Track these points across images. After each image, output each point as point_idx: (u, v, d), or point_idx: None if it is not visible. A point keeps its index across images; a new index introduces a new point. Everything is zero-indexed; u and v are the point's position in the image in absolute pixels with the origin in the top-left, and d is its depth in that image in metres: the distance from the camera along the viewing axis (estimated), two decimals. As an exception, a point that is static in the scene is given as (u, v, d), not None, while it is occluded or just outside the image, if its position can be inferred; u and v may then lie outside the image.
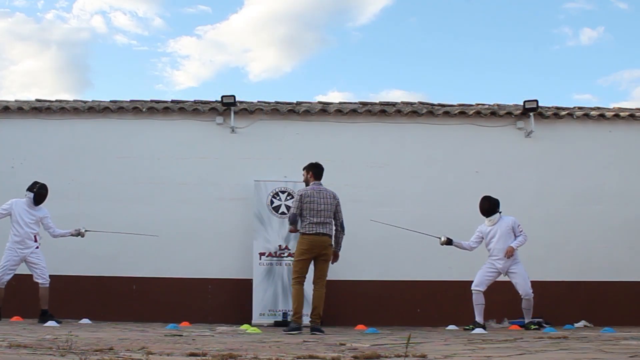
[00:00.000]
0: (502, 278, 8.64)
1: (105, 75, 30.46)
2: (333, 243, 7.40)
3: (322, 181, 7.56)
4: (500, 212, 8.51)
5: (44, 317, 8.31)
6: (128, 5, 29.03)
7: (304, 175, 7.65)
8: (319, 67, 29.65)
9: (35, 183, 8.53)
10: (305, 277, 7.34)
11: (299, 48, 30.10)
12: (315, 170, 7.60)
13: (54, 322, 7.88)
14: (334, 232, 7.41)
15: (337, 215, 7.41)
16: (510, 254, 8.24)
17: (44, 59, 30.24)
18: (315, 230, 7.22)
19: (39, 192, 8.45)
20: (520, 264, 8.38)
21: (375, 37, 27.74)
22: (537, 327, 8.17)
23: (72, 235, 8.78)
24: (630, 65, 27.78)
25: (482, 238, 8.55)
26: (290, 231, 7.52)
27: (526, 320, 8.36)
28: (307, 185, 7.54)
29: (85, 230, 8.79)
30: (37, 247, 8.48)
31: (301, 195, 7.35)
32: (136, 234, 9.23)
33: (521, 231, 8.37)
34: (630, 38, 26.65)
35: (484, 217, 8.55)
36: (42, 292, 8.43)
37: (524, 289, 8.25)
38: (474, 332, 7.59)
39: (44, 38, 29.17)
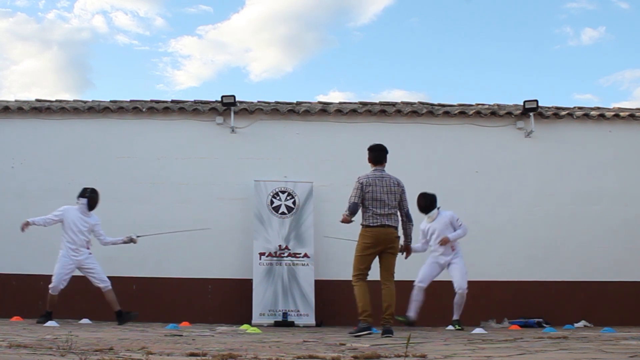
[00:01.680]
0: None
1: (106, 75, 30.50)
2: (401, 235, 6.80)
3: (383, 168, 6.78)
4: (438, 208, 8.45)
5: (120, 317, 8.31)
6: (129, 5, 29.04)
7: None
8: (320, 67, 29.67)
9: (86, 189, 8.40)
10: (368, 274, 6.65)
11: (300, 48, 30.12)
12: (372, 154, 6.81)
13: (130, 319, 7.95)
14: (399, 223, 6.75)
15: (402, 204, 6.68)
16: (444, 242, 8.19)
17: (45, 58, 30.25)
18: (380, 222, 6.52)
19: (91, 197, 8.32)
20: (461, 257, 8.31)
21: (377, 37, 27.76)
22: (460, 328, 8.12)
23: (124, 242, 8.61)
24: (632, 65, 27.79)
25: (425, 237, 8.51)
26: (343, 221, 6.74)
27: (455, 316, 8.27)
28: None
29: (137, 236, 8.63)
30: (90, 253, 8.39)
31: (361, 182, 6.57)
32: (187, 231, 9.15)
33: (460, 224, 8.29)
34: (631, 38, 26.68)
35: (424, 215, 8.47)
36: (108, 296, 8.34)
37: (460, 283, 8.14)
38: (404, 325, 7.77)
39: (45, 38, 29.19)
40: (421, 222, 8.51)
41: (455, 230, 8.29)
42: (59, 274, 8.23)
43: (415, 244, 8.45)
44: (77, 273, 9.63)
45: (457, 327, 8.15)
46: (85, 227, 8.28)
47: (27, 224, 8.21)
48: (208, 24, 29.06)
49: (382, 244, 6.54)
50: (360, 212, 6.63)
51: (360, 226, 6.63)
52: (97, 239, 8.49)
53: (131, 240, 8.60)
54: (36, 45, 29.51)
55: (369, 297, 6.51)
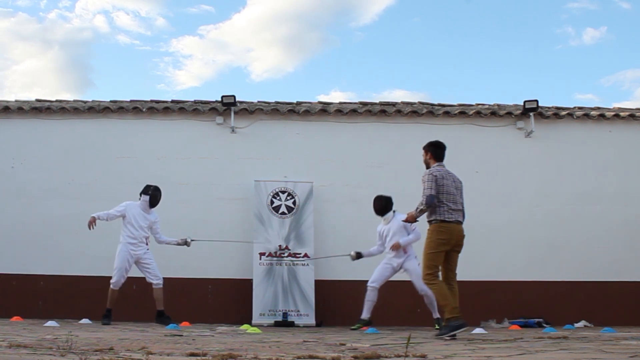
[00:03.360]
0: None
1: (107, 75, 30.49)
2: None
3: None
4: (394, 211, 8.50)
5: (160, 318, 8.33)
6: (131, 5, 29.05)
7: (423, 156, 6.64)
8: (321, 67, 29.67)
9: (149, 186, 8.49)
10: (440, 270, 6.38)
11: (302, 48, 30.12)
12: (435, 150, 6.56)
13: (172, 324, 7.88)
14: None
15: (462, 201, 6.53)
16: (395, 248, 8.27)
17: (46, 58, 30.25)
18: (455, 218, 6.32)
19: (153, 194, 8.40)
20: (414, 260, 8.29)
21: (378, 37, 27.76)
22: (439, 327, 8.12)
23: (177, 244, 8.68)
24: (633, 65, 27.81)
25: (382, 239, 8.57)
26: (412, 218, 6.56)
27: (434, 315, 8.30)
28: (427, 168, 6.53)
29: (191, 240, 8.68)
30: (148, 249, 8.45)
31: (435, 176, 6.29)
32: (235, 242, 9.34)
33: (414, 229, 8.30)
34: (633, 38, 26.69)
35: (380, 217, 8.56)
36: (157, 293, 8.40)
37: (419, 285, 8.12)
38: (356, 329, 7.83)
39: (46, 38, 29.18)
40: (378, 225, 8.63)
41: (408, 234, 8.33)
42: (120, 269, 8.29)
43: (371, 248, 8.65)
44: (79, 273, 9.66)
45: (437, 327, 8.13)
46: (145, 223, 8.39)
47: (93, 219, 8.22)
48: (209, 23, 29.07)
49: (454, 241, 6.32)
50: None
51: (430, 222, 6.34)
52: (153, 236, 8.58)
53: (185, 243, 8.68)
54: (37, 45, 29.53)
55: (450, 293, 6.28)
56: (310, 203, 9.84)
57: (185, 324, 8.53)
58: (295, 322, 9.25)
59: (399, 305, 9.71)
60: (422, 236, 8.36)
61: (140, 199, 8.47)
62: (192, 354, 3.69)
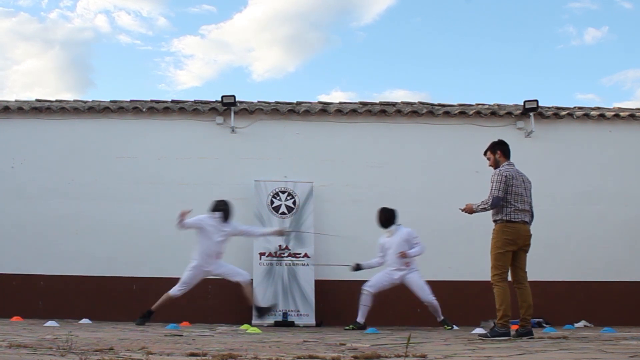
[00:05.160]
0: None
1: (107, 75, 30.48)
2: None
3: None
4: (399, 225, 8.57)
5: (260, 310, 8.42)
6: (132, 5, 29.02)
7: (489, 157, 6.60)
8: (322, 67, 29.66)
9: (218, 202, 8.40)
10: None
11: (303, 48, 30.12)
12: (504, 148, 6.56)
13: (267, 312, 8.23)
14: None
15: (531, 202, 6.50)
16: (403, 255, 8.31)
17: (47, 58, 30.23)
18: (521, 218, 6.29)
19: (224, 209, 8.31)
20: (416, 272, 8.45)
21: (379, 37, 27.77)
22: (450, 327, 8.25)
23: (273, 234, 8.75)
24: (634, 65, 27.81)
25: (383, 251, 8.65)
26: (475, 210, 6.45)
27: (439, 319, 8.43)
28: (496, 167, 6.49)
29: (287, 231, 8.68)
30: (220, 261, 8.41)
31: (506, 176, 6.27)
32: (336, 236, 9.33)
33: (417, 243, 8.40)
34: (634, 38, 26.69)
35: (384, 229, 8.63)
36: (246, 290, 8.38)
37: (423, 296, 8.39)
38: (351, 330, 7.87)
39: (47, 37, 29.17)
40: (380, 237, 8.69)
41: (411, 247, 8.39)
42: (187, 283, 8.24)
43: (372, 259, 8.72)
44: (79, 273, 9.66)
45: (447, 327, 8.28)
46: (221, 238, 8.26)
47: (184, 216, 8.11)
48: (211, 23, 29.07)
49: (521, 241, 6.31)
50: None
51: (496, 222, 6.35)
52: (247, 236, 8.62)
53: (281, 233, 8.74)
54: (38, 45, 29.52)
55: (509, 296, 6.21)
56: (310, 203, 9.84)
57: (185, 324, 8.53)
58: (295, 322, 9.25)
59: (399, 305, 9.70)
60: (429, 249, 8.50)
61: (212, 215, 8.33)
62: (192, 354, 3.69)
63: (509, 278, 6.32)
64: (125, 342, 4.69)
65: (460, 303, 9.60)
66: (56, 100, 10.67)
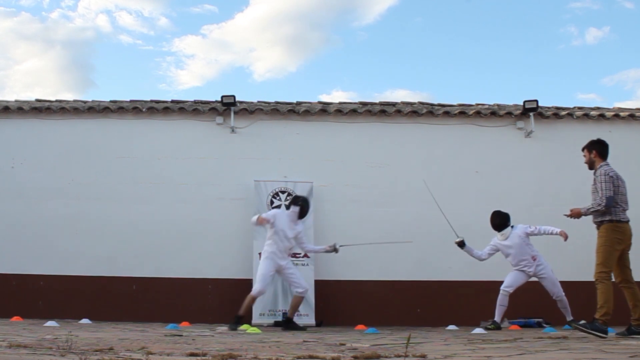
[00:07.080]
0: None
1: (108, 75, 30.49)
2: None
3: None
4: (512, 227, 8.59)
5: (287, 324, 8.23)
6: (133, 5, 29.03)
7: (585, 156, 6.68)
8: (323, 67, 29.69)
9: (298, 197, 8.43)
10: None
11: (304, 47, 30.13)
12: (600, 148, 6.61)
13: (296, 329, 7.89)
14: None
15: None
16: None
17: (48, 58, 30.24)
18: (626, 218, 6.44)
19: (302, 205, 8.26)
20: (547, 267, 8.58)
21: (380, 37, 27.78)
22: (580, 328, 8.18)
23: (326, 251, 8.55)
24: (636, 65, 27.84)
25: (496, 251, 8.68)
26: (583, 214, 6.61)
27: (568, 318, 8.56)
28: (591, 168, 6.59)
29: (340, 246, 8.44)
30: (290, 260, 8.41)
31: (612, 176, 6.37)
32: (388, 243, 9.03)
33: (535, 228, 8.48)
34: (635, 38, 26.72)
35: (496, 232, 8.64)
36: (295, 301, 8.31)
37: (553, 291, 8.57)
38: (482, 331, 7.65)
39: (49, 37, 29.18)
40: (494, 237, 8.69)
41: (528, 244, 8.49)
42: (265, 276, 8.10)
43: (480, 250, 8.69)
44: (79, 273, 9.66)
45: (575, 324, 8.13)
46: (292, 234, 8.22)
47: (262, 220, 8.07)
48: (212, 23, 29.08)
49: (628, 240, 6.49)
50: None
51: (604, 222, 6.50)
52: (299, 246, 8.43)
53: (334, 250, 8.44)
54: (39, 45, 29.52)
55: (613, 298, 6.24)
56: (310, 203, 9.82)
57: (185, 324, 8.53)
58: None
59: (399, 305, 9.71)
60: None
61: (289, 209, 8.32)
62: (192, 354, 3.69)
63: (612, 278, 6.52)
64: (125, 342, 4.69)
65: (460, 303, 9.60)
66: (56, 100, 10.67)
